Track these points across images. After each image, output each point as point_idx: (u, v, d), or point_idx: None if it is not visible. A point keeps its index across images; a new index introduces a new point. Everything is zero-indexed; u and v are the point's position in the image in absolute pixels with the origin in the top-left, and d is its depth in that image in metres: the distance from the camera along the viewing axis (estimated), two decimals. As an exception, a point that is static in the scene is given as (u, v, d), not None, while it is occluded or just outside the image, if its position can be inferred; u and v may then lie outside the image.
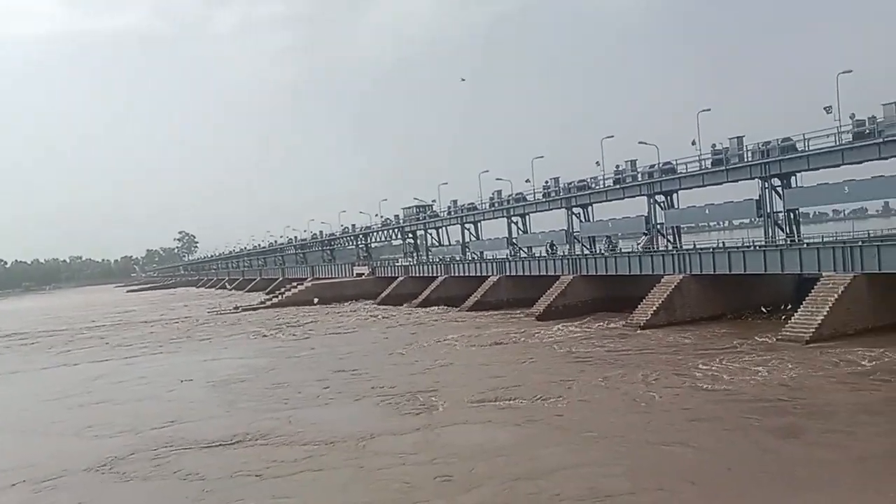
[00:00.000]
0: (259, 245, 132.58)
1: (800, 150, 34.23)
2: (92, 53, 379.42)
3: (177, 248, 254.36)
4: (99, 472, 18.35)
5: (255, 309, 71.11)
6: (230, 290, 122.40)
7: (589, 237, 50.18)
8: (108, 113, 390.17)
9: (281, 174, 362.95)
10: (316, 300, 70.50)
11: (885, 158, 31.04)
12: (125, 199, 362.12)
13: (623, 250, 46.57)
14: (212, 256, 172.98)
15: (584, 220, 50.04)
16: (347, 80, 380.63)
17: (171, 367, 36.37)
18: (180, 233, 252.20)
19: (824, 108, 32.16)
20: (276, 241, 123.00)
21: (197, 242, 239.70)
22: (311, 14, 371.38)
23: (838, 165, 33.14)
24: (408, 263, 72.83)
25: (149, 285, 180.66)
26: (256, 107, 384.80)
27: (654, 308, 36.33)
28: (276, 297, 76.70)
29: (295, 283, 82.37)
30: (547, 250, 53.79)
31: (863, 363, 23.73)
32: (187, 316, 69.61)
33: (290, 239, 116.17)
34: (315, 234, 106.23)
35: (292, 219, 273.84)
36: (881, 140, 30.45)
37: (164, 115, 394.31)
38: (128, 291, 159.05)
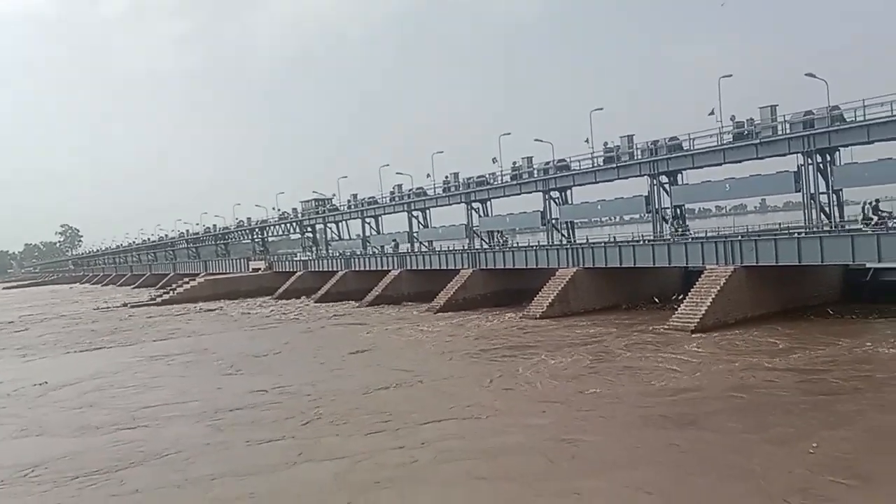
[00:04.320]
0: (149, 239, 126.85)
1: (686, 149, 36.06)
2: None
3: (59, 242, 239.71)
4: None
5: (144, 305, 68.11)
6: (118, 286, 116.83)
7: (487, 231, 51.10)
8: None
9: (174, 166, 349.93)
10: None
11: (762, 158, 33.20)
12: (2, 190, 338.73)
13: (519, 244, 47.73)
14: (98, 251, 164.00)
15: (483, 215, 50.89)
16: (246, 71, 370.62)
17: (39, 369, 33.70)
18: (63, 226, 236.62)
19: (709, 114, 34.08)
20: (166, 236, 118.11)
21: (81, 236, 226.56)
22: (207, 3, 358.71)
23: (720, 164, 35.14)
24: (307, 258, 71.74)
25: (27, 282, 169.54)
26: (151, 96, 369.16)
27: (550, 300, 37.44)
28: (168, 293, 73.61)
29: (187, 279, 79.35)
30: (393, 249, 56.40)
31: (740, 350, 25.23)
32: (68, 313, 65.70)
33: (182, 233, 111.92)
34: (208, 227, 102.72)
35: (185, 212, 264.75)
36: (758, 141, 32.49)
37: (51, 100, 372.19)
38: (3, 289, 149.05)
